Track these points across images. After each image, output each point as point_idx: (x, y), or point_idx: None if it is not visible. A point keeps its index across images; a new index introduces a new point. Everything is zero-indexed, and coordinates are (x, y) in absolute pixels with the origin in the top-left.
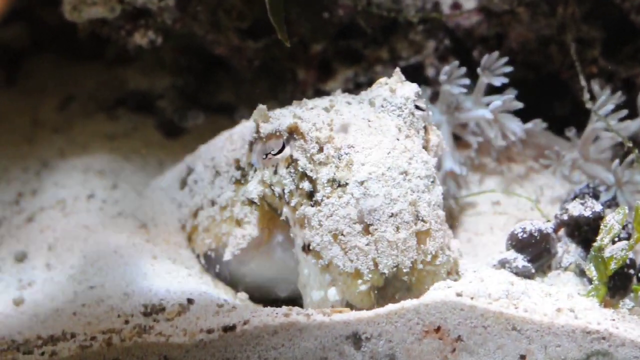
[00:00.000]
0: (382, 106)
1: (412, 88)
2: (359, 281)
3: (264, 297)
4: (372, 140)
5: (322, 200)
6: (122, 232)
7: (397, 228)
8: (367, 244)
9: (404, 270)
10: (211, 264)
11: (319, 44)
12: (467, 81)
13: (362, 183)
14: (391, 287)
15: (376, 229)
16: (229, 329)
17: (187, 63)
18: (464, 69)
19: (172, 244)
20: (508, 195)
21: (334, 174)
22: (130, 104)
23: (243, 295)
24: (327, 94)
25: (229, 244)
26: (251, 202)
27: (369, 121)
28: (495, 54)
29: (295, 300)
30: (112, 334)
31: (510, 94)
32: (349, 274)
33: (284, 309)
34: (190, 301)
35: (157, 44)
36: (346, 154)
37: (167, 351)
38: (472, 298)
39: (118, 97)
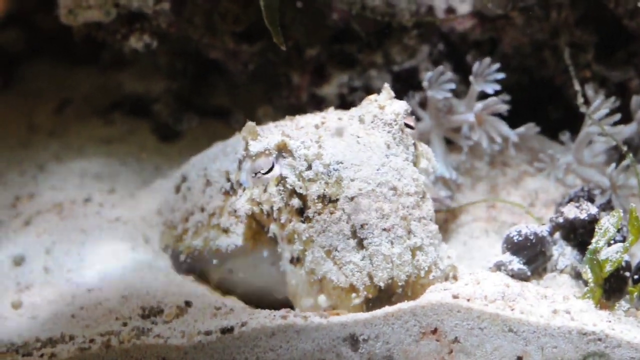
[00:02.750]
0: (372, 122)
1: (401, 105)
2: (353, 295)
3: (256, 303)
4: (361, 156)
5: (313, 216)
6: (119, 235)
7: (392, 242)
8: (362, 259)
9: (399, 284)
10: (196, 263)
11: (313, 48)
12: (452, 86)
13: (352, 199)
14: (384, 300)
15: (370, 243)
16: (227, 330)
17: (182, 67)
18: (449, 74)
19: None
20: (501, 202)
21: (324, 190)
22: (125, 107)
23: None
24: (322, 98)
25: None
26: (237, 215)
27: (358, 137)
28: (487, 60)
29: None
30: (110, 336)
31: (495, 98)
32: (343, 288)
33: (282, 311)
34: (188, 303)
35: (152, 47)
36: (335, 170)
37: (166, 353)
38: (468, 300)
39: (114, 101)
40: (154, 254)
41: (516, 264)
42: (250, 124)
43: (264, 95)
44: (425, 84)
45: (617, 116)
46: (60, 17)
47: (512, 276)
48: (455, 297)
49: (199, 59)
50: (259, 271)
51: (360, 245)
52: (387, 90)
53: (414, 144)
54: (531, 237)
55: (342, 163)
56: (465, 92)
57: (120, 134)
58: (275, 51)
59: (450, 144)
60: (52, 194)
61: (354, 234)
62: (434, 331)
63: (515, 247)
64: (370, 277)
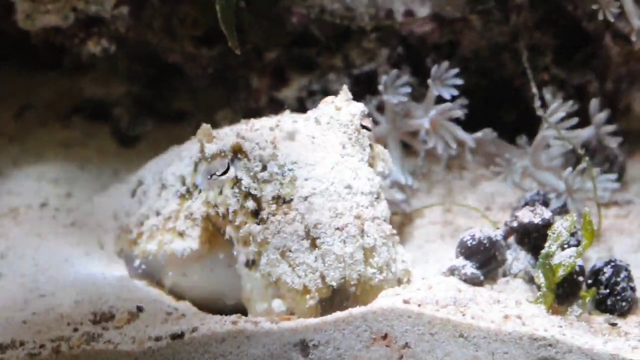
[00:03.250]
0: (328, 123)
1: (357, 107)
2: (307, 296)
3: (210, 307)
4: (315, 156)
5: (267, 218)
6: (74, 240)
7: (344, 242)
8: (314, 260)
9: (352, 283)
10: (150, 268)
11: (272, 52)
12: (408, 90)
13: (306, 198)
14: (337, 299)
15: (323, 243)
16: (177, 336)
17: (142, 71)
18: (405, 78)
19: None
20: (458, 205)
21: (279, 190)
22: (86, 112)
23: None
24: (281, 101)
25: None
26: (193, 218)
27: (313, 138)
28: (445, 64)
29: (242, 309)
30: (60, 341)
31: (450, 103)
32: (298, 290)
33: (233, 316)
34: (139, 309)
35: (110, 52)
36: (290, 170)
37: (115, 359)
38: (419, 305)
39: (74, 106)
40: (108, 259)
41: (469, 268)
42: (205, 126)
43: (223, 98)
44: (381, 87)
45: (574, 120)
46: (18, 22)
47: (465, 281)
48: (406, 302)
49: (159, 62)
50: (214, 275)
51: (314, 245)
52: (344, 92)
53: (370, 145)
54: (485, 242)
55: (296, 163)
56: (425, 95)
57: (79, 138)
58: (234, 55)
59: (408, 148)
60: (8, 198)
61: (307, 234)
62: (385, 337)
63: (468, 251)
64: (323, 278)
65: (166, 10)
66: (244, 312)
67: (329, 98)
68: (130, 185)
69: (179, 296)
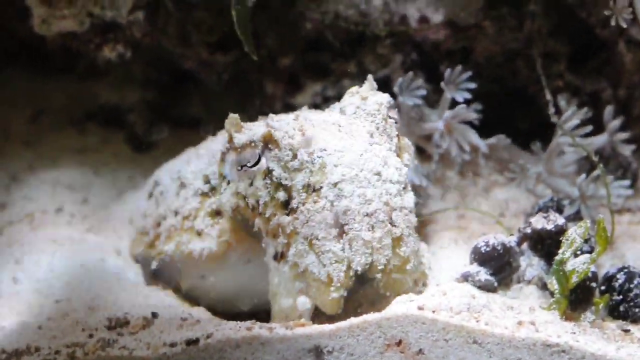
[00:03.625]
0: (354, 113)
1: (384, 97)
2: (332, 288)
3: (226, 311)
4: (344, 143)
5: (297, 207)
6: (90, 247)
7: (372, 227)
8: (341, 248)
9: (379, 268)
10: (167, 270)
11: (287, 58)
12: (423, 92)
13: (335, 185)
14: (362, 289)
15: (351, 229)
16: (192, 342)
17: (156, 77)
18: (420, 81)
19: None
20: (471, 210)
21: (309, 179)
22: (100, 118)
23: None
24: (295, 107)
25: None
26: (215, 214)
27: (340, 126)
28: (459, 68)
29: (257, 314)
30: (76, 347)
31: (464, 106)
32: (323, 281)
33: (247, 322)
34: (154, 315)
35: (126, 57)
36: (319, 157)
37: None
38: (433, 311)
39: (88, 111)
40: (123, 265)
41: (483, 274)
42: (233, 115)
43: (238, 104)
44: (396, 89)
45: (589, 128)
46: (34, 26)
47: (479, 287)
48: (420, 308)
49: (174, 68)
50: (232, 276)
51: (342, 232)
52: (369, 82)
53: (397, 136)
54: (499, 248)
55: (325, 150)
56: (438, 102)
57: (94, 144)
58: (249, 61)
59: (421, 153)
60: (24, 204)
61: (336, 221)
62: (399, 343)
63: (482, 257)
64: (349, 265)
65: (181, 16)
66: (259, 318)
67: (354, 88)
68: (146, 188)
69: (195, 300)
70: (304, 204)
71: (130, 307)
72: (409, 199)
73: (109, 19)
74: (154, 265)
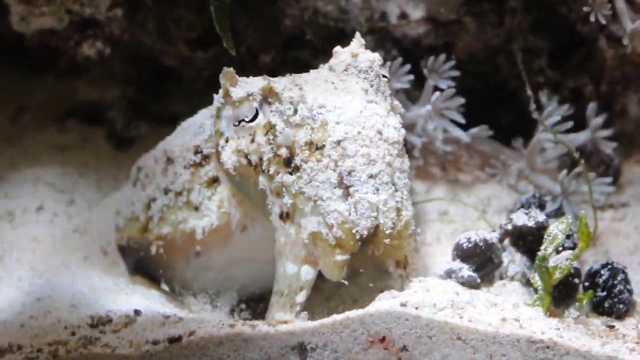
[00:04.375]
0: (346, 70)
1: (375, 55)
2: (337, 250)
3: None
4: (341, 100)
5: (300, 165)
6: (74, 245)
7: (377, 189)
8: (347, 209)
9: (387, 232)
10: (165, 253)
11: (267, 55)
12: (411, 77)
13: (338, 143)
14: (369, 249)
15: (356, 190)
16: (174, 340)
17: (136, 74)
18: (407, 67)
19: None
20: (455, 204)
21: (310, 136)
22: (80, 115)
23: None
24: None
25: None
26: (212, 183)
27: (333, 83)
28: (442, 56)
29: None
30: (58, 345)
31: (452, 90)
32: (330, 243)
33: (230, 320)
34: (137, 312)
35: (105, 54)
36: (319, 113)
37: None
38: (417, 308)
39: (69, 108)
40: (108, 264)
41: (466, 271)
42: (228, 69)
43: None
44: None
45: (569, 124)
46: (13, 24)
47: (462, 283)
48: (403, 304)
49: (154, 65)
50: (233, 247)
51: (347, 193)
52: (357, 39)
53: (390, 95)
54: (481, 244)
55: (324, 107)
56: (419, 97)
57: (75, 142)
58: (229, 57)
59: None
60: (4, 201)
61: (340, 181)
62: (382, 339)
63: (464, 254)
64: (354, 228)
65: (161, 13)
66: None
67: (339, 48)
68: (130, 178)
69: (189, 285)
70: (306, 162)
71: (113, 305)
72: (406, 160)
73: (88, 15)
74: (152, 251)
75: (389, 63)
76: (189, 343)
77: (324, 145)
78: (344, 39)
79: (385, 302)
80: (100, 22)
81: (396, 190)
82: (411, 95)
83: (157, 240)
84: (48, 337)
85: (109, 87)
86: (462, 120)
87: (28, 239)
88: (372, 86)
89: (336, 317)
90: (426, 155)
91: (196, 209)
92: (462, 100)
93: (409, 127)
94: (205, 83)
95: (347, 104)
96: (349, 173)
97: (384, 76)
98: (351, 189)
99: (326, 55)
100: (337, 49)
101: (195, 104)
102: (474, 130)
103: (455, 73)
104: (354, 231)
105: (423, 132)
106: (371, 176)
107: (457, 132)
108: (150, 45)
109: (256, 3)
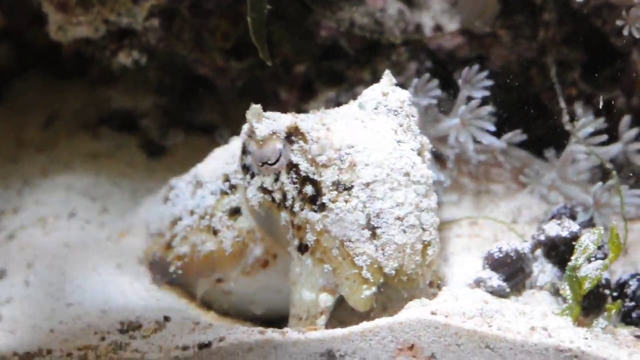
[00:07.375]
0: (375, 109)
1: (405, 93)
2: (364, 286)
3: (240, 314)
4: (370, 140)
5: (327, 204)
6: (106, 253)
7: (404, 231)
8: (375, 250)
9: (407, 272)
10: (184, 273)
11: (302, 65)
12: (438, 92)
13: (367, 185)
14: (388, 289)
15: (384, 232)
16: (204, 346)
17: (171, 83)
18: (435, 81)
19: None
20: (484, 218)
21: (338, 176)
22: (113, 123)
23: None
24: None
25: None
26: (233, 213)
27: (363, 122)
28: (476, 67)
29: (270, 320)
30: (87, 350)
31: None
32: (357, 280)
33: (260, 327)
34: (166, 318)
35: (141, 63)
36: (347, 154)
37: None
38: (446, 316)
39: (102, 116)
40: (141, 271)
41: (496, 280)
42: (255, 106)
43: None
44: (411, 90)
45: (604, 137)
46: (50, 33)
47: (492, 292)
48: (433, 313)
49: (188, 74)
50: (249, 276)
51: (374, 235)
52: (388, 76)
53: (421, 134)
54: (512, 254)
55: (353, 147)
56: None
57: (107, 150)
58: (263, 67)
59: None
60: (36, 208)
61: (368, 223)
62: (411, 347)
63: (495, 263)
64: (381, 268)
65: (196, 23)
66: (271, 324)
67: (372, 86)
68: (162, 192)
69: (209, 305)
70: (334, 202)
71: (143, 311)
72: (435, 198)
73: (125, 25)
74: (172, 268)
75: (415, 80)
76: (218, 349)
77: (352, 187)
78: (379, 51)
79: (414, 310)
80: (137, 31)
81: (425, 231)
82: (445, 107)
83: (176, 260)
84: (78, 342)
85: (142, 96)
86: (493, 128)
87: (59, 245)
88: (401, 125)
89: (365, 325)
90: (460, 166)
91: (215, 233)
92: (490, 109)
93: (442, 139)
94: (239, 93)
95: (377, 144)
96: (377, 215)
97: (414, 116)
98: (378, 231)
99: (359, 66)
100: (371, 86)
101: (228, 113)
102: (508, 135)
103: (489, 83)
104: (379, 269)
105: (456, 142)
106: (398, 218)
107: (490, 139)
108: (185, 54)
109: (292, 14)
